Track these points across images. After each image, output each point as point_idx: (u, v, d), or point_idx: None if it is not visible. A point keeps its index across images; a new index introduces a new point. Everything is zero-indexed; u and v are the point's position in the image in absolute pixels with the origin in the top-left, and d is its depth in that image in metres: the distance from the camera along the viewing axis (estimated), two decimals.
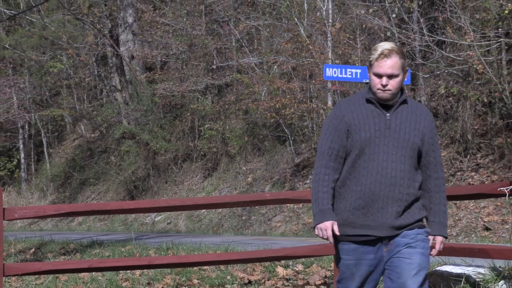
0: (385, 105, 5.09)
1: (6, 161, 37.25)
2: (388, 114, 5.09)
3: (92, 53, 33.55)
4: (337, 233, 5.06)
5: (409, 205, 5.07)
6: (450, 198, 7.30)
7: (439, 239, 5.19)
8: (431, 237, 5.19)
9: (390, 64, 4.99)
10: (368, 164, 5.03)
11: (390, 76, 5.01)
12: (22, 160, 36.57)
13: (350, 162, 5.11)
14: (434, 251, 5.21)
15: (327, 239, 5.11)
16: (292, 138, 23.81)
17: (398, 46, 5.14)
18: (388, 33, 20.89)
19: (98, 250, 15.70)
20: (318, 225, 5.09)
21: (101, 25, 32.56)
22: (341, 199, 5.13)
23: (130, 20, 31.39)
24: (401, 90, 5.15)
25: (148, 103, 29.23)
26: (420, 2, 20.88)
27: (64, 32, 31.98)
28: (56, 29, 31.65)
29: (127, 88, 31.86)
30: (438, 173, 5.20)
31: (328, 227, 5.05)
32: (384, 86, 5.01)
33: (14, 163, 37.08)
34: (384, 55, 5.02)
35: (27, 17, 31.67)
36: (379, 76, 5.04)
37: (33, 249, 17.10)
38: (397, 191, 5.00)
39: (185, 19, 28.79)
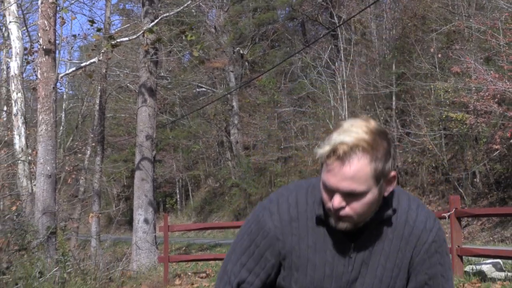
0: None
1: (169, 199, 37.85)
2: (352, 245, 1.38)
3: (215, 140, 34.10)
4: None
5: None
6: None
7: None
8: None
9: (349, 173, 1.26)
10: None
11: (350, 195, 1.29)
12: (178, 199, 37.18)
13: None
14: None
15: None
16: None
17: (372, 130, 1.47)
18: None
19: (219, 248, 15.92)
20: None
21: (220, 125, 33.20)
22: None
23: (236, 121, 31.92)
24: (384, 200, 1.37)
25: (246, 167, 29.52)
26: (396, 111, 20.91)
27: (200, 128, 32.71)
28: (196, 127, 32.40)
29: (234, 159, 32.26)
30: None
31: None
32: (336, 210, 1.30)
33: (174, 200, 37.64)
34: (338, 156, 1.29)
35: (181, 121, 32.54)
36: (329, 191, 1.31)
37: (184, 248, 17.42)
38: None
39: (266, 121, 29.24)
